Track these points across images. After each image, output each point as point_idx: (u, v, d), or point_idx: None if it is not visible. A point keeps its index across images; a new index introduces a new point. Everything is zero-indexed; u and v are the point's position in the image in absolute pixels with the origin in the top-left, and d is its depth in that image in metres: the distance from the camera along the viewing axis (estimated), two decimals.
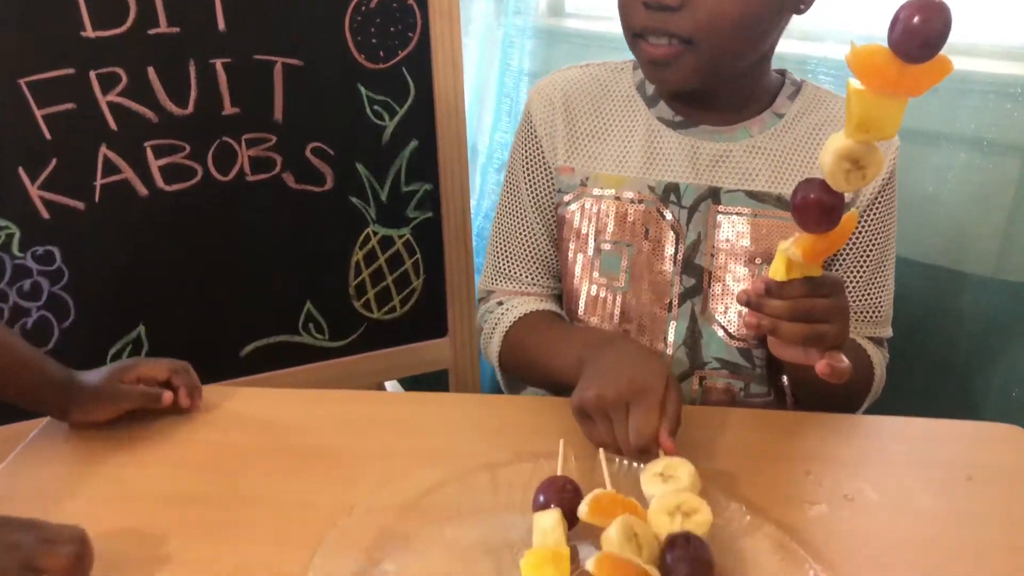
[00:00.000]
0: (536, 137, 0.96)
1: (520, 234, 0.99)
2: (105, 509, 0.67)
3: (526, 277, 0.99)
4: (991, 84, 1.23)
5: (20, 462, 0.73)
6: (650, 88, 0.93)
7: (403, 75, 1.25)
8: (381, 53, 1.23)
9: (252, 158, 1.18)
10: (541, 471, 0.68)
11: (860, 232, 0.91)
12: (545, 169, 0.96)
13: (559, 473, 0.66)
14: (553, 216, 0.97)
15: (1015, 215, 1.24)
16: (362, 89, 1.22)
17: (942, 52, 0.58)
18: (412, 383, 1.44)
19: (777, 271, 0.71)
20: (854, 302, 0.93)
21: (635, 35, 0.84)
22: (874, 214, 0.91)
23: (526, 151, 0.97)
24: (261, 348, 1.23)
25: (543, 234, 0.98)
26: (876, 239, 0.92)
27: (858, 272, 0.93)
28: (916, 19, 0.56)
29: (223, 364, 1.20)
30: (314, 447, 0.76)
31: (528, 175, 0.97)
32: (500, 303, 0.99)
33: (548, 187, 0.97)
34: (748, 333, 0.90)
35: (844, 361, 0.71)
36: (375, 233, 1.28)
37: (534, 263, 0.99)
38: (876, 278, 0.93)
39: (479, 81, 1.84)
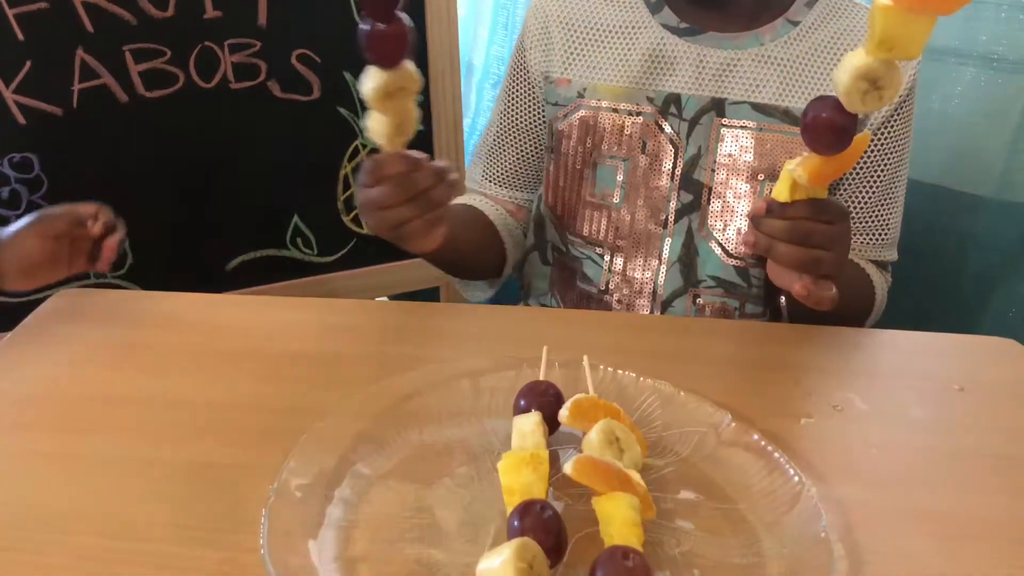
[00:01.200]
0: (525, 52, 0.94)
1: (507, 145, 0.99)
2: (83, 411, 0.66)
3: (511, 185, 1.00)
4: (1003, 2, 1.18)
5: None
6: None
7: None
8: None
9: (236, 64, 1.14)
10: (524, 377, 0.66)
11: (872, 151, 0.88)
12: (529, 87, 0.95)
13: (541, 378, 0.65)
14: (541, 127, 0.96)
15: (1021, 135, 1.21)
16: None
17: None
18: (403, 300, 1.42)
19: (781, 192, 0.68)
20: (860, 222, 0.91)
21: None
22: (888, 133, 0.87)
23: (515, 68, 0.96)
24: (248, 262, 1.21)
25: (530, 146, 0.98)
26: (888, 159, 0.88)
27: (867, 192, 0.90)
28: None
29: (209, 278, 1.18)
30: (295, 353, 0.74)
31: (516, 91, 0.97)
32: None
33: (534, 104, 0.95)
34: (746, 252, 0.87)
35: (830, 290, 0.69)
36: (364, 145, 1.24)
37: (520, 172, 1.00)
38: (885, 200, 0.90)
39: None
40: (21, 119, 1.04)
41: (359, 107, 1.22)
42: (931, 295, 1.27)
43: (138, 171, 1.12)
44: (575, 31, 0.91)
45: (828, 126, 0.63)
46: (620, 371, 0.67)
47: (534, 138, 0.98)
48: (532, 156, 0.99)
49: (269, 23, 1.14)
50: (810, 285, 0.69)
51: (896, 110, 0.86)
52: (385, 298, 1.39)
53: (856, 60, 0.59)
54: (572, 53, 0.91)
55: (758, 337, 0.79)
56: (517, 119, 0.97)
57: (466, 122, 1.82)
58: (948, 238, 1.28)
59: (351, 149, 1.23)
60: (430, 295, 1.35)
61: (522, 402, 0.61)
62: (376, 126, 0.73)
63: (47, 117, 1.05)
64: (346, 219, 1.25)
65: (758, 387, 0.71)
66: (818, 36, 0.86)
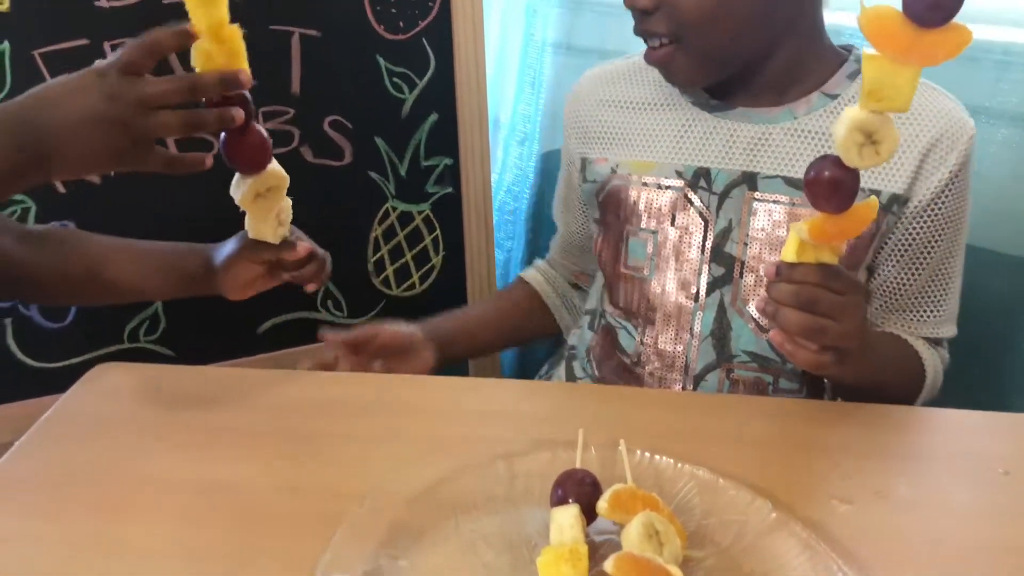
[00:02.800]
0: (566, 138, 1.00)
1: (566, 220, 1.08)
2: (116, 492, 0.66)
3: (573, 256, 1.11)
4: None
5: (32, 443, 0.72)
6: None
7: (423, 46, 1.22)
8: (401, 23, 1.19)
9: (269, 131, 1.14)
10: (559, 461, 0.65)
11: (925, 224, 0.85)
12: (569, 166, 1.01)
13: (578, 464, 0.64)
14: (581, 208, 1.03)
15: None
16: (381, 61, 1.19)
17: (962, 23, 0.56)
18: None
19: (788, 251, 0.68)
20: (912, 299, 0.89)
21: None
22: (942, 205, 0.84)
23: (564, 152, 1.03)
24: (279, 325, 1.21)
25: (576, 223, 1.06)
26: (941, 233, 0.86)
27: (919, 267, 0.88)
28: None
29: (240, 341, 1.19)
30: (330, 432, 0.74)
31: (567, 173, 1.03)
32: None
33: (571, 181, 1.01)
34: (762, 318, 0.87)
35: (827, 358, 0.70)
36: (394, 209, 1.25)
37: (568, 246, 1.10)
38: (938, 277, 0.88)
39: (502, 52, 1.79)
40: (61, 187, 1.06)
41: (389, 171, 1.23)
42: (966, 357, 1.24)
43: (173, 237, 1.13)
44: (608, 111, 0.94)
45: (826, 179, 0.63)
46: (657, 456, 0.66)
47: (578, 214, 1.04)
48: (581, 230, 1.06)
49: (302, 91, 1.16)
50: (777, 336, 0.70)
51: (949, 182, 0.84)
52: None
53: (851, 112, 0.60)
54: (608, 134, 0.94)
55: (795, 415, 0.78)
56: (566, 196, 1.05)
57: (493, 177, 1.83)
58: (982, 298, 1.26)
59: (381, 212, 1.24)
60: None
61: (559, 492, 0.61)
62: (255, 224, 0.77)
63: (86, 186, 1.07)
64: (376, 281, 1.26)
65: (797, 469, 0.70)
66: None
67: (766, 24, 0.81)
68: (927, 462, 0.72)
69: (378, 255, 1.25)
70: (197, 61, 0.69)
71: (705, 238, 0.87)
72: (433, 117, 1.25)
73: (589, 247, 1.03)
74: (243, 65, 0.71)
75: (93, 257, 0.88)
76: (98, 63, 0.66)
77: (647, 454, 0.67)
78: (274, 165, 0.75)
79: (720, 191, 0.86)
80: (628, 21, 1.58)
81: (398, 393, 0.82)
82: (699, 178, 0.87)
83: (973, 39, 1.21)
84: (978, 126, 1.22)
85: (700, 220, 0.87)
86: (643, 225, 0.89)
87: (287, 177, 0.76)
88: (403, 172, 1.25)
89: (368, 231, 1.24)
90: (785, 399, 0.83)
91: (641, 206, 0.89)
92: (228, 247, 0.85)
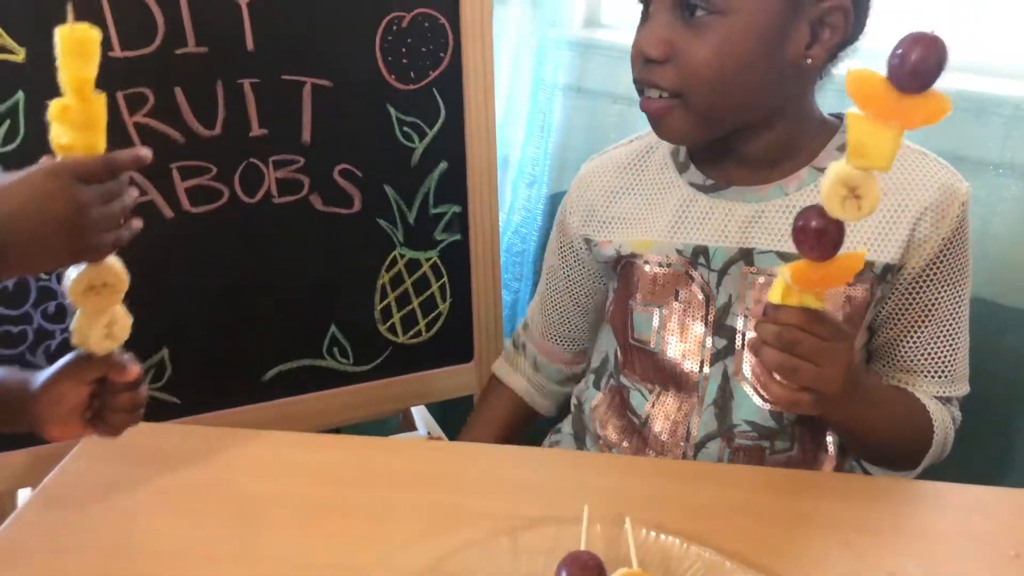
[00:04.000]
0: (564, 215, 1.02)
1: (551, 300, 1.07)
2: (118, 564, 0.65)
3: (551, 338, 1.09)
4: None
5: (34, 508, 0.72)
6: (682, 154, 0.92)
7: (434, 96, 1.22)
8: (412, 74, 1.20)
9: (279, 180, 1.16)
10: (564, 538, 0.65)
11: (922, 290, 0.87)
12: (572, 249, 1.02)
13: (583, 544, 0.63)
14: (584, 290, 1.04)
15: None
16: (392, 110, 1.20)
17: (952, 85, 0.62)
18: (439, 407, 1.42)
19: (774, 293, 0.70)
20: (918, 360, 0.89)
21: (640, 90, 0.84)
22: (942, 267, 0.86)
23: (558, 230, 1.04)
24: (284, 372, 1.21)
25: (571, 305, 1.06)
26: (943, 293, 0.87)
27: (920, 330, 0.88)
28: (907, 49, 0.58)
29: (245, 389, 1.18)
30: (332, 499, 0.73)
31: (560, 251, 1.04)
32: (524, 347, 1.11)
33: (576, 264, 1.03)
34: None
35: (800, 396, 0.70)
36: (402, 256, 1.25)
37: (560, 329, 1.08)
38: (943, 337, 0.88)
39: (512, 93, 1.80)
40: None
41: (398, 219, 1.24)
42: (980, 421, 1.23)
43: (180, 283, 1.13)
44: (610, 197, 0.96)
45: (811, 228, 0.65)
46: (663, 536, 0.66)
47: (577, 295, 1.05)
48: (578, 312, 1.06)
49: (313, 139, 1.16)
50: (756, 369, 0.72)
51: (947, 244, 0.84)
52: (423, 407, 1.40)
53: (837, 166, 0.63)
54: (611, 217, 0.96)
55: (803, 489, 0.78)
56: (570, 276, 1.05)
57: (501, 217, 1.84)
58: (997, 357, 1.25)
59: (389, 259, 1.24)
60: (466, 402, 1.35)
61: (563, 574, 0.60)
62: (81, 327, 0.69)
63: None
64: (382, 328, 1.26)
65: (805, 547, 0.69)
66: None
67: (770, 95, 0.82)
68: (937, 542, 0.71)
69: (385, 302, 1.25)
70: (53, 113, 0.67)
71: (707, 312, 0.88)
72: (442, 165, 1.25)
73: (589, 330, 1.06)
74: (100, 134, 0.68)
75: None
76: (50, 164, 0.66)
77: (653, 533, 0.66)
78: (115, 260, 0.69)
79: (719, 268, 0.87)
80: None
81: (401, 460, 0.81)
82: (698, 255, 0.88)
83: (984, 93, 1.22)
84: (988, 181, 1.23)
85: (702, 295, 0.88)
86: (649, 300, 0.91)
87: (126, 280, 0.70)
88: (411, 219, 1.25)
89: (375, 278, 1.24)
90: (793, 471, 0.83)
91: (646, 282, 0.90)
92: (51, 368, 0.74)
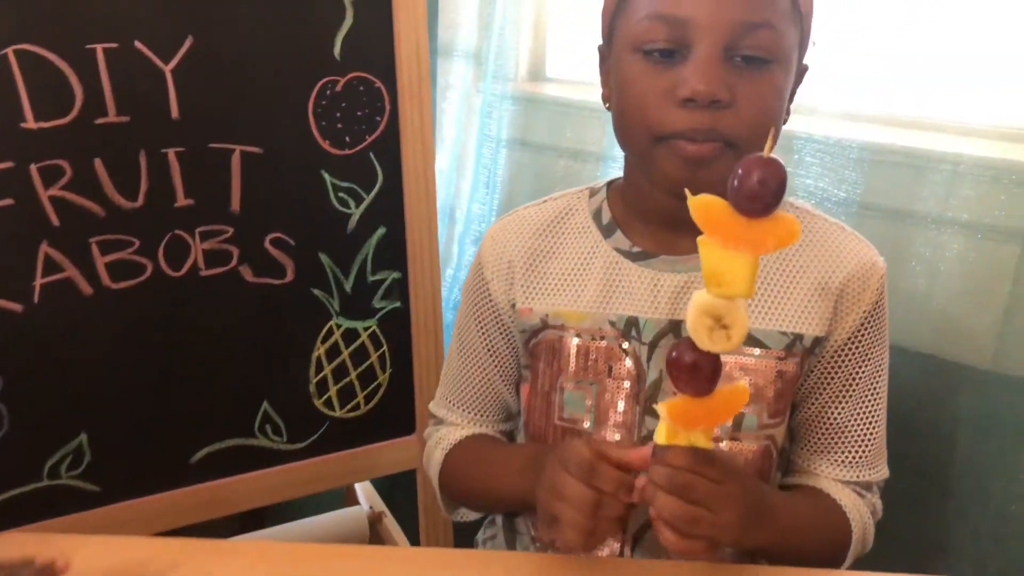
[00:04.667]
0: (485, 282, 0.92)
1: (471, 373, 0.95)
2: None
3: (476, 413, 0.96)
4: (987, 168, 1.18)
5: None
6: (605, 217, 0.88)
7: (370, 161, 1.19)
8: (347, 138, 1.16)
9: (206, 251, 1.11)
10: None
11: (843, 361, 0.85)
12: (495, 314, 0.92)
13: None
14: (508, 356, 0.93)
15: (1012, 306, 1.18)
16: (326, 176, 1.16)
17: (792, 216, 0.58)
18: (386, 479, 1.36)
19: (659, 433, 0.65)
20: (836, 436, 0.87)
21: (661, 138, 0.75)
22: (861, 341, 0.85)
23: (476, 297, 0.93)
24: (213, 453, 1.15)
25: (495, 374, 0.94)
26: (859, 372, 0.85)
27: (839, 404, 0.86)
28: (746, 173, 0.56)
29: (172, 472, 1.12)
30: None
31: (478, 320, 0.93)
32: (438, 423, 0.98)
33: (498, 332, 0.92)
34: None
35: (696, 544, 0.66)
36: (338, 326, 1.21)
37: (485, 402, 0.96)
38: (861, 413, 0.86)
39: (457, 148, 1.78)
40: None
41: (334, 287, 1.19)
42: (926, 480, 1.22)
43: (101, 363, 1.07)
44: (532, 262, 0.89)
45: (683, 363, 0.62)
46: None
47: (499, 364, 0.94)
48: (498, 383, 0.95)
49: (242, 208, 1.12)
50: (656, 522, 0.66)
51: (862, 325, 0.84)
52: (368, 482, 1.34)
53: (699, 296, 0.60)
54: (532, 283, 0.88)
55: None
56: (492, 348, 0.94)
57: (448, 273, 1.80)
58: (942, 415, 1.24)
59: (325, 330, 1.20)
60: (408, 476, 1.30)
61: None
62: None
63: (6, 314, 1.01)
64: (318, 403, 1.21)
65: None
66: (773, 254, 0.82)
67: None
68: None
69: (321, 375, 1.20)
70: None
71: (639, 390, 0.84)
72: (381, 231, 1.21)
73: (505, 406, 0.96)
74: None
75: None
76: None
77: None
78: None
79: (649, 341, 0.83)
80: (582, 120, 1.58)
81: (325, 565, 0.76)
82: (630, 328, 0.83)
83: (926, 149, 1.22)
84: (930, 238, 1.22)
85: (635, 371, 0.84)
86: (580, 377, 0.85)
87: None
88: (348, 288, 1.20)
89: (311, 350, 1.19)
90: (728, 566, 0.78)
91: (577, 357, 0.85)
92: None
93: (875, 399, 0.87)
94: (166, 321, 1.10)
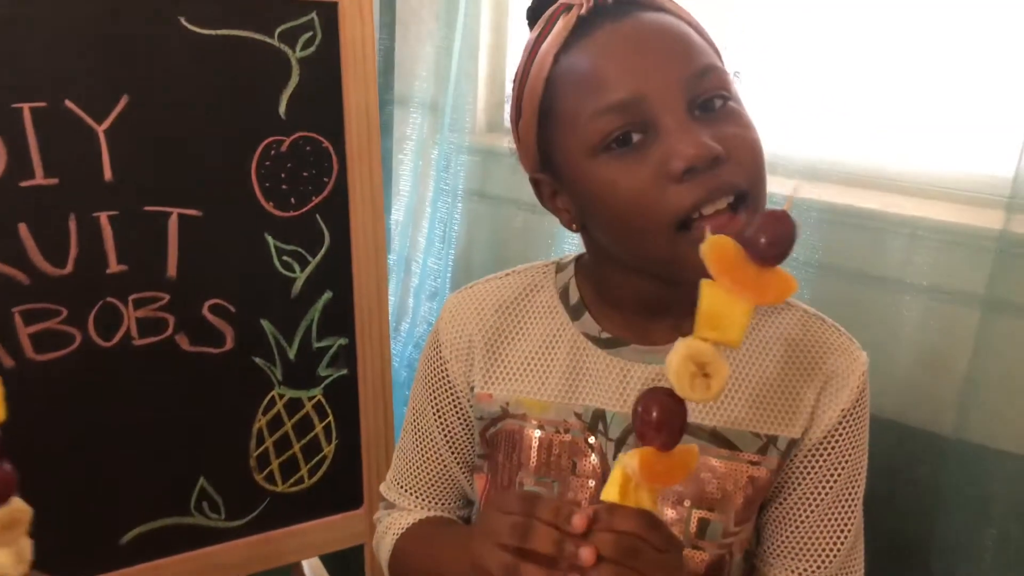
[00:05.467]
0: (443, 362, 0.84)
1: (426, 457, 0.88)
2: None
3: (430, 500, 0.89)
4: (946, 232, 1.16)
5: None
6: (573, 297, 0.81)
7: (317, 223, 1.14)
8: (292, 200, 1.12)
9: (140, 319, 1.05)
10: None
11: (818, 461, 0.78)
12: (452, 396, 0.85)
13: None
14: (465, 442, 0.86)
15: (972, 373, 1.16)
16: (270, 239, 1.11)
17: (792, 274, 0.59)
18: (331, 559, 1.30)
19: (611, 490, 0.60)
20: (804, 539, 0.80)
21: (682, 224, 0.68)
22: (835, 443, 0.77)
23: (433, 376, 0.86)
24: (146, 533, 1.08)
25: (451, 460, 0.87)
26: (832, 475, 0.78)
27: (805, 511, 0.79)
28: (769, 221, 0.57)
29: (101, 554, 1.05)
30: None
31: (434, 402, 0.86)
32: (389, 507, 0.91)
33: (455, 414, 0.85)
34: None
35: None
36: (281, 396, 1.15)
37: (440, 489, 0.89)
38: (828, 521, 0.79)
39: (413, 200, 1.74)
40: None
41: (276, 355, 1.14)
42: (884, 553, 1.17)
43: (21, 439, 0.99)
44: (493, 344, 0.82)
45: (658, 409, 0.59)
46: None
47: (457, 452, 0.87)
48: (455, 470, 0.88)
49: (180, 274, 1.06)
50: None
51: (841, 422, 0.77)
52: (316, 559, 1.28)
53: (687, 340, 0.59)
54: (492, 366, 0.82)
55: None
56: (449, 433, 0.87)
57: (404, 327, 1.75)
58: (904, 483, 1.21)
59: (267, 400, 1.14)
60: (356, 552, 1.24)
61: None
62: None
63: None
64: (258, 477, 1.14)
65: None
66: (750, 345, 0.78)
67: None
68: None
69: (262, 448, 1.14)
70: None
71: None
72: (327, 295, 1.16)
73: (461, 494, 0.90)
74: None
75: None
76: None
77: None
78: (17, 501, 0.72)
79: (616, 437, 0.77)
80: None
81: None
82: (597, 421, 0.78)
83: (885, 212, 1.20)
84: (891, 300, 1.20)
85: (599, 469, 0.78)
86: (542, 473, 0.79)
87: (29, 511, 0.71)
88: (292, 355, 1.15)
89: (251, 422, 1.13)
90: None
91: (539, 451, 0.80)
92: None
93: (849, 505, 0.79)
94: (96, 394, 1.04)
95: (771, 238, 0.57)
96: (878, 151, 1.26)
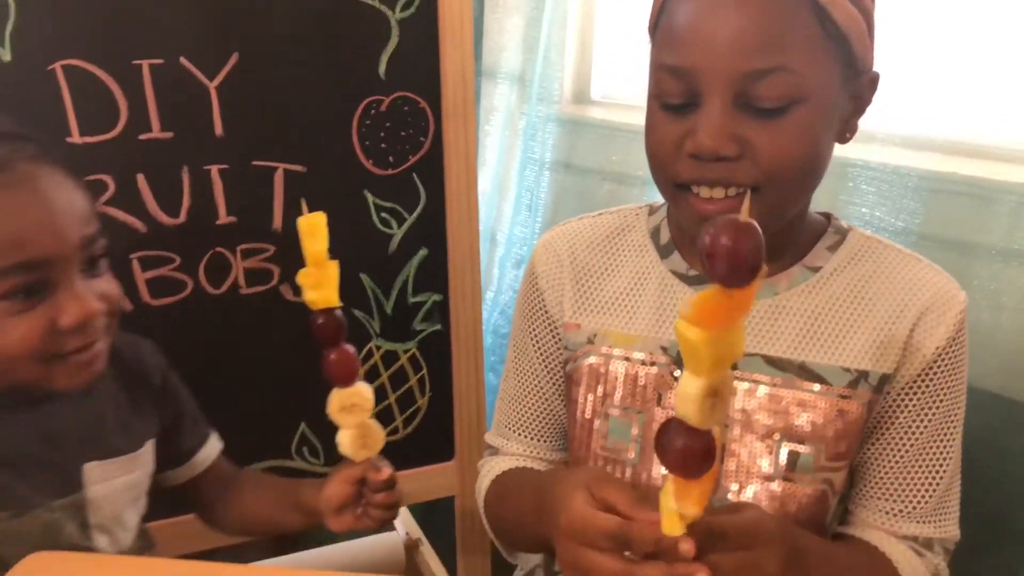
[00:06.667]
0: (539, 292, 0.88)
1: (527, 392, 0.91)
2: None
3: (534, 438, 0.92)
4: None
5: None
6: (664, 236, 0.84)
7: (413, 181, 1.17)
8: (391, 158, 1.15)
9: (247, 270, 1.10)
10: None
11: (911, 399, 0.78)
12: (550, 326, 0.88)
13: None
14: (562, 374, 0.88)
15: None
16: (369, 196, 1.14)
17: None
18: (423, 505, 1.33)
19: (672, 524, 0.59)
20: (895, 481, 0.79)
21: (678, 186, 0.74)
22: (934, 379, 0.77)
23: (530, 308, 0.90)
24: None
25: (553, 394, 0.90)
26: (927, 413, 0.78)
27: (902, 444, 0.79)
28: (724, 250, 0.50)
29: None
30: None
31: (533, 333, 0.89)
32: (494, 454, 0.94)
33: (554, 344, 0.88)
34: None
35: None
36: (378, 348, 1.18)
37: (543, 424, 0.91)
38: (926, 457, 0.79)
39: (499, 170, 1.76)
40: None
41: (374, 309, 1.17)
42: (988, 530, 1.14)
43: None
44: (585, 275, 0.86)
45: (689, 454, 0.56)
46: None
47: (557, 383, 0.90)
48: (556, 403, 0.91)
49: (284, 228, 1.10)
50: None
51: (937, 359, 0.76)
52: (405, 508, 1.31)
53: (693, 386, 0.54)
54: (582, 298, 0.85)
55: None
56: (547, 361, 0.90)
57: (488, 296, 1.77)
58: (1007, 458, 1.18)
59: (364, 352, 1.17)
60: (446, 503, 1.26)
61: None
62: (342, 438, 0.87)
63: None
64: None
65: None
66: (840, 282, 0.78)
67: (821, 178, 0.75)
68: None
69: None
70: (300, 279, 0.85)
71: None
72: (422, 252, 1.19)
73: (560, 429, 0.91)
74: (334, 292, 0.85)
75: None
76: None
77: None
78: (360, 385, 0.86)
79: None
80: (628, 142, 1.54)
81: None
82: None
83: (990, 179, 1.16)
84: (995, 271, 1.17)
85: None
86: (627, 404, 0.81)
87: (371, 400, 0.86)
88: (389, 309, 1.18)
89: None
90: None
91: (625, 383, 0.81)
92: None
93: (944, 445, 0.79)
94: (206, 339, 1.09)
95: (716, 259, 0.52)
96: (981, 116, 1.23)
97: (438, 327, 1.22)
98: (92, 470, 0.85)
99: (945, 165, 1.20)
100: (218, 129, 1.05)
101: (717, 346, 0.53)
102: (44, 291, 0.71)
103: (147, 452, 0.92)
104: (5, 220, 0.69)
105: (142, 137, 1.02)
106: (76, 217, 0.75)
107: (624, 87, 1.69)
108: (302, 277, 0.85)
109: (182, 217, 1.05)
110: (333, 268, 0.85)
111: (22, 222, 0.70)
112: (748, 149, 0.69)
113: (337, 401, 0.86)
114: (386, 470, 0.88)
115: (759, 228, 0.50)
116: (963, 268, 1.20)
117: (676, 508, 0.58)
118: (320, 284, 0.84)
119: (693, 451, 0.56)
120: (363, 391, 0.86)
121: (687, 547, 0.59)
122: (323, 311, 0.85)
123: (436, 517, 1.36)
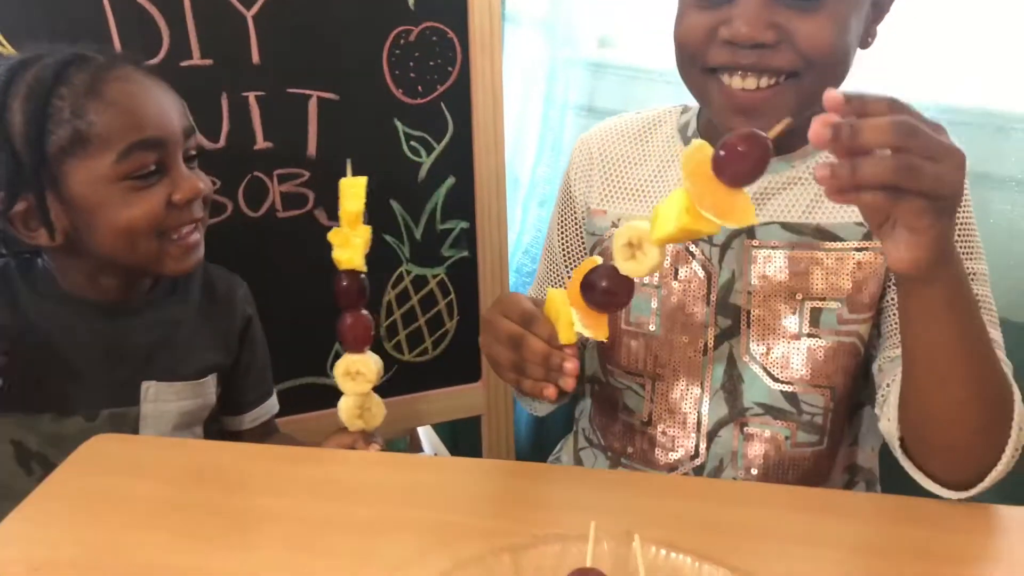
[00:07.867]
0: (568, 182, 0.96)
1: (550, 282, 1.00)
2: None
3: None
4: None
5: (19, 520, 0.69)
6: (691, 129, 0.89)
7: (441, 110, 1.21)
8: (419, 88, 1.19)
9: (284, 194, 1.14)
10: (569, 556, 0.62)
11: None
12: (573, 212, 0.96)
13: (588, 562, 0.60)
14: (582, 258, 0.96)
15: None
16: (399, 124, 1.18)
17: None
18: (449, 428, 1.39)
19: (568, 335, 0.69)
20: None
21: (708, 71, 0.78)
22: None
23: (562, 201, 0.98)
24: (288, 390, 1.18)
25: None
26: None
27: None
28: (735, 140, 0.58)
29: None
30: (331, 518, 0.70)
31: (561, 225, 0.98)
32: None
33: (575, 229, 0.96)
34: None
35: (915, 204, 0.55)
36: (408, 272, 1.23)
37: None
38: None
39: (522, 112, 1.79)
40: None
41: (404, 234, 1.22)
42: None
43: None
44: (613, 165, 0.92)
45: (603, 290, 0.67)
46: (674, 553, 0.62)
47: (575, 266, 0.97)
48: None
49: (318, 153, 1.15)
50: (828, 171, 0.56)
51: None
52: (432, 430, 1.36)
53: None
54: (609, 186, 0.92)
55: (823, 508, 0.74)
56: (568, 249, 0.98)
57: (511, 238, 1.81)
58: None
59: (395, 275, 1.22)
60: (474, 422, 1.32)
61: None
62: (341, 404, 0.90)
63: None
64: (388, 346, 1.23)
65: (823, 570, 0.65)
66: None
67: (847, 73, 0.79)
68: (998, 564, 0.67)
69: (391, 319, 1.23)
70: (332, 239, 0.89)
71: (710, 291, 0.85)
72: (450, 180, 1.23)
73: None
74: (360, 256, 0.90)
75: None
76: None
77: (663, 551, 0.63)
78: (370, 355, 0.89)
79: (721, 243, 0.85)
80: (652, 86, 1.56)
81: (400, 475, 0.78)
82: None
83: (1006, 111, 1.18)
84: (1011, 198, 1.19)
85: (703, 273, 0.85)
86: (646, 280, 0.87)
87: (376, 372, 0.88)
88: (418, 235, 1.23)
89: (381, 295, 1.22)
90: (811, 489, 0.78)
91: None
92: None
93: (975, 253, 0.81)
94: (245, 259, 1.13)
95: (730, 155, 0.58)
96: (998, 50, 1.24)
97: (465, 253, 1.26)
98: (149, 388, 0.91)
99: (963, 97, 1.22)
100: (255, 57, 1.09)
101: (692, 217, 0.60)
102: (160, 172, 0.85)
103: (209, 384, 0.97)
104: (124, 104, 0.83)
105: (183, 64, 1.06)
106: (177, 110, 0.88)
107: (648, 30, 1.71)
108: (333, 235, 0.88)
109: (222, 141, 1.10)
110: (365, 232, 0.88)
111: (138, 106, 0.84)
112: (786, 36, 0.73)
113: (344, 364, 0.89)
114: (375, 446, 0.91)
115: (771, 148, 0.57)
116: (980, 198, 1.22)
117: (579, 328, 0.67)
118: (348, 244, 0.87)
119: (612, 291, 0.66)
120: (370, 362, 0.89)
121: (571, 366, 0.68)
122: (348, 273, 0.88)
123: (461, 440, 1.42)
